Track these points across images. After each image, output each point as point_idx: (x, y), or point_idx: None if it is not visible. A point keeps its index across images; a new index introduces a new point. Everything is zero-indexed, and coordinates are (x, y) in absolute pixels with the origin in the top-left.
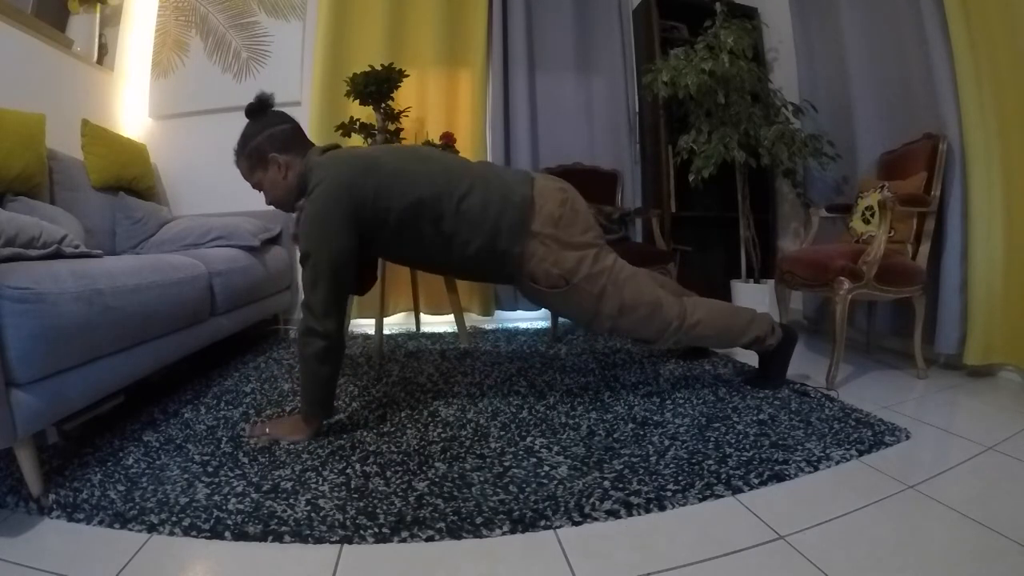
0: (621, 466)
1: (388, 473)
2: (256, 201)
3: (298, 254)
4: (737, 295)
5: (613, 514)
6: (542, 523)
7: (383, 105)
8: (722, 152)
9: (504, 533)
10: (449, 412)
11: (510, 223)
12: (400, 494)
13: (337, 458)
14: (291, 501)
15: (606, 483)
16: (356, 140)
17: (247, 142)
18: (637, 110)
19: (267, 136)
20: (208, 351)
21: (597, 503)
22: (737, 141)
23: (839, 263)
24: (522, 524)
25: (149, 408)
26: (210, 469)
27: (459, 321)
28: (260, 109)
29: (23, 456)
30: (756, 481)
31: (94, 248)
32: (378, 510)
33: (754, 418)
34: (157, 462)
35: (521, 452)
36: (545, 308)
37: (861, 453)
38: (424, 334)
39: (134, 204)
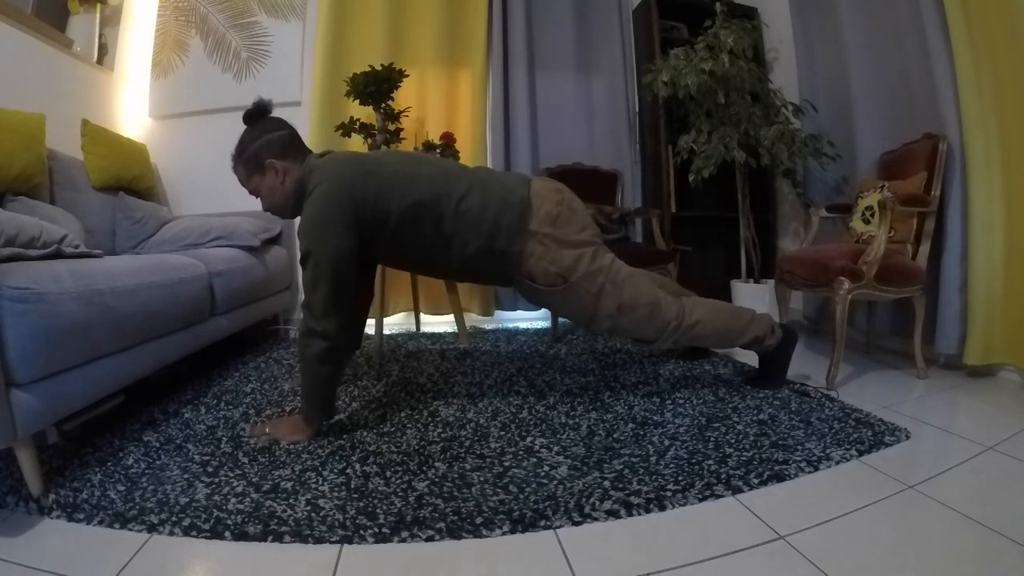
0: (621, 466)
1: (388, 473)
2: (256, 201)
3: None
4: (737, 295)
5: (613, 514)
6: (542, 523)
7: (383, 105)
8: (722, 152)
9: (504, 533)
10: (449, 412)
11: (508, 223)
12: (400, 494)
13: (337, 458)
14: (291, 501)
15: (606, 483)
16: (356, 140)
17: (245, 148)
18: (637, 110)
19: (265, 142)
20: (208, 351)
21: (597, 503)
22: (737, 141)
23: (839, 263)
24: (522, 524)
25: (149, 408)
26: (210, 469)
27: (459, 321)
28: (258, 115)
29: (23, 456)
30: (756, 481)
31: (94, 248)
32: (378, 510)
33: (754, 418)
34: (157, 462)
35: (521, 452)
36: (544, 308)
37: (861, 453)
38: (424, 334)
39: (134, 204)
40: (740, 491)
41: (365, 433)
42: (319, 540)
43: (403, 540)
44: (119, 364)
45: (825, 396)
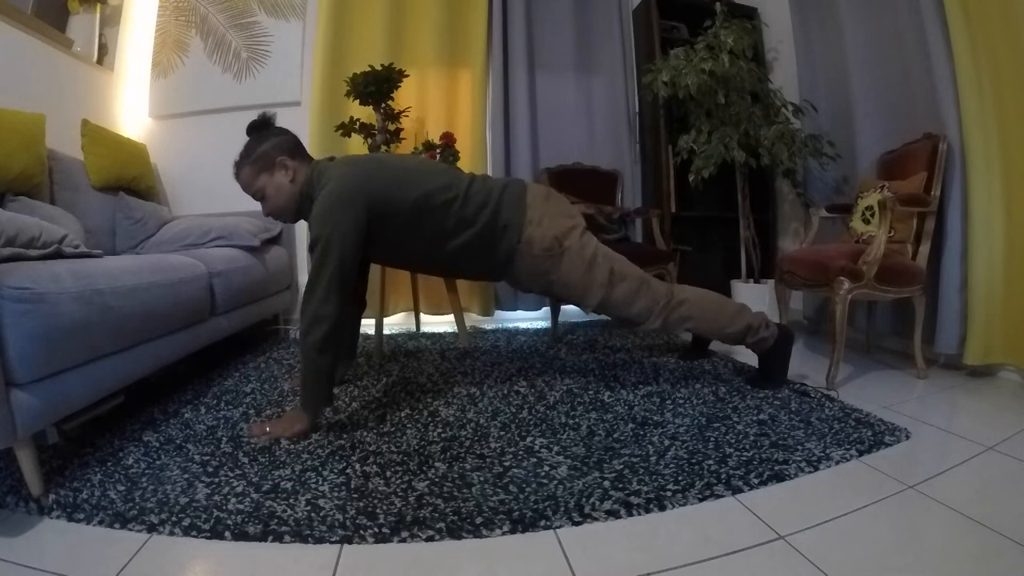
0: (621, 466)
1: (388, 473)
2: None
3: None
4: (737, 295)
5: (613, 514)
6: (542, 523)
7: (383, 105)
8: (722, 152)
9: (504, 533)
10: (449, 412)
11: (510, 197)
12: (400, 494)
13: (337, 458)
14: (291, 501)
15: (606, 483)
16: (356, 140)
17: (253, 149)
18: (637, 110)
19: (275, 143)
20: (208, 351)
21: (597, 503)
22: (737, 141)
23: (839, 263)
24: (522, 524)
25: (149, 408)
26: (210, 469)
27: (459, 321)
28: (262, 126)
29: (23, 456)
30: (756, 481)
31: (94, 248)
32: (378, 510)
33: (754, 418)
34: (157, 462)
35: (521, 452)
36: (541, 287)
37: (861, 453)
38: (424, 334)
39: (134, 204)
40: (740, 491)
41: (365, 433)
42: (319, 540)
43: (403, 540)
44: (119, 364)
45: (825, 396)
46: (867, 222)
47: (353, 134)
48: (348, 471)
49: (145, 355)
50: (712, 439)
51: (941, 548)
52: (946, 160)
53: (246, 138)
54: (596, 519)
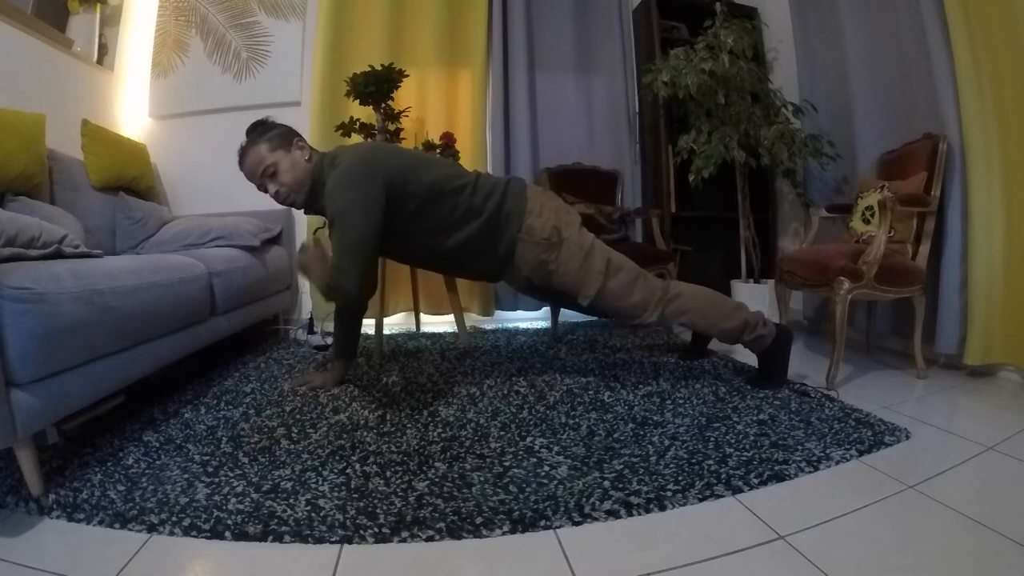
0: (621, 466)
1: (388, 473)
2: (256, 201)
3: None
4: (737, 295)
5: (613, 514)
6: (542, 523)
7: (383, 105)
8: (722, 152)
9: (504, 533)
10: (449, 412)
11: (514, 190)
12: (400, 494)
13: (337, 458)
14: (291, 501)
15: (606, 483)
16: (356, 140)
17: (266, 131)
18: (637, 110)
19: (285, 128)
20: (208, 351)
21: (597, 503)
22: (737, 141)
23: (839, 263)
24: (522, 524)
25: (149, 408)
26: (210, 469)
27: (459, 321)
28: (263, 122)
29: (23, 456)
30: (756, 481)
31: (94, 248)
32: (378, 510)
33: (754, 418)
34: (157, 462)
35: (521, 452)
36: (540, 278)
37: (861, 453)
38: (424, 334)
39: (134, 204)
40: (740, 491)
41: (365, 433)
42: (319, 540)
43: (403, 540)
44: (119, 364)
45: (825, 396)
46: (867, 222)
47: (353, 134)
48: (348, 471)
49: (145, 355)
50: (712, 439)
51: (941, 548)
52: (946, 160)
53: (246, 138)
54: (596, 519)
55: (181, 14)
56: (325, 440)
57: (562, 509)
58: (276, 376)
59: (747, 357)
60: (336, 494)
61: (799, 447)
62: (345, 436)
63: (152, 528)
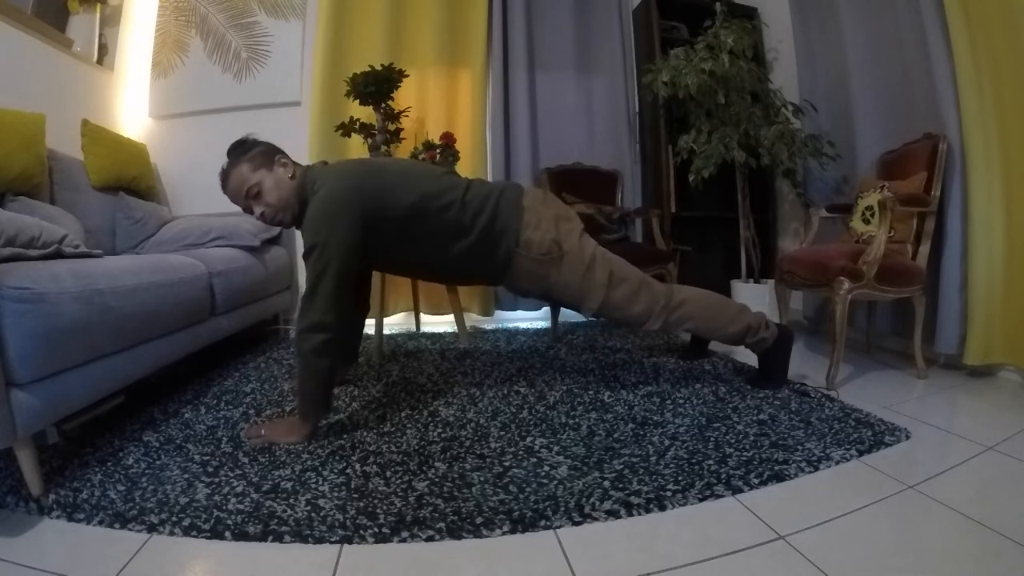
0: (621, 466)
1: (388, 473)
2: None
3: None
4: (737, 295)
5: (613, 514)
6: (542, 523)
7: (383, 105)
8: (722, 152)
9: (504, 533)
10: (449, 412)
11: (507, 202)
12: (400, 494)
13: (337, 458)
14: (291, 501)
15: (606, 483)
16: (356, 140)
17: (246, 150)
18: (637, 110)
19: (266, 146)
20: (208, 351)
21: (597, 503)
22: (737, 141)
23: (839, 263)
24: (522, 524)
25: (149, 408)
26: (210, 469)
27: (459, 321)
28: (243, 141)
29: (23, 456)
30: (756, 481)
31: (94, 248)
32: (378, 510)
33: (754, 418)
34: (157, 462)
35: (521, 452)
36: (540, 292)
37: (861, 453)
38: (424, 334)
39: (134, 204)
40: (740, 491)
41: (365, 433)
42: (319, 540)
43: (403, 540)
44: (119, 364)
45: (825, 396)
46: (867, 222)
47: (353, 134)
48: (348, 471)
49: (145, 355)
50: (712, 439)
51: (941, 548)
52: (946, 160)
53: (227, 159)
54: (596, 519)
55: (181, 14)
56: (325, 440)
57: (562, 509)
58: (276, 376)
59: (747, 357)
60: (336, 494)
61: (799, 447)
62: (345, 436)
63: (152, 528)
